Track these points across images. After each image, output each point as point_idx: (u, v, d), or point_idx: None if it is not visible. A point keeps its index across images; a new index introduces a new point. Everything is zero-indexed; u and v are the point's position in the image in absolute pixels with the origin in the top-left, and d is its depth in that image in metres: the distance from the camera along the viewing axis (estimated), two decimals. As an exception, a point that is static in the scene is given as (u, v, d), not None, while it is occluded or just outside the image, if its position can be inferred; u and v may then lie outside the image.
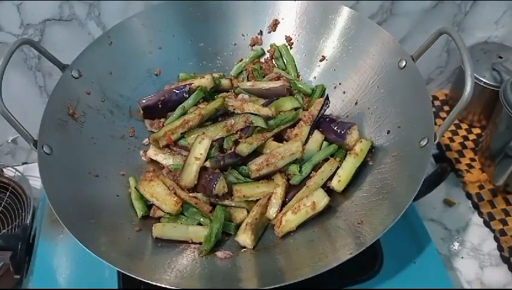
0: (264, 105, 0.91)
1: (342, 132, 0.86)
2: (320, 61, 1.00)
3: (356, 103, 0.93)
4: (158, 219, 0.82)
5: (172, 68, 1.00)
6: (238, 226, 0.80)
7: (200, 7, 1.00)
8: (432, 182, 0.97)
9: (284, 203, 0.83)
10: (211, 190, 0.79)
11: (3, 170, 1.15)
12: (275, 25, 1.03)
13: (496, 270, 0.99)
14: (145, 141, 0.94)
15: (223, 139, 0.86)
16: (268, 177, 0.85)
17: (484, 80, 1.14)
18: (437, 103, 1.33)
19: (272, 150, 0.85)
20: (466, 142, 1.22)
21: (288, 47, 1.03)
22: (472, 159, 1.18)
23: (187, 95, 0.93)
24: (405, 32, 1.16)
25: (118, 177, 0.87)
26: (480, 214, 1.08)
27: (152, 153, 0.91)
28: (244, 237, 0.77)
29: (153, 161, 0.91)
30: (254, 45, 1.04)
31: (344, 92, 0.96)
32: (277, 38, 1.03)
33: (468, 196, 1.12)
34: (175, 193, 0.81)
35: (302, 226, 0.78)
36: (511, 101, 1.00)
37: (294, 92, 0.99)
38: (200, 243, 0.77)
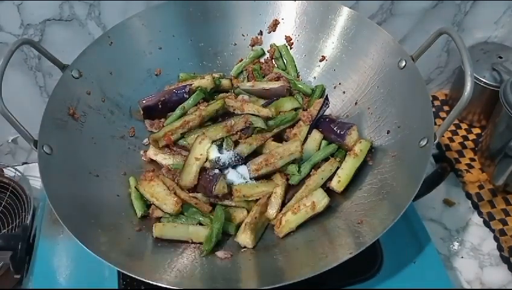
0: (264, 105, 0.91)
1: (342, 133, 0.86)
2: (320, 61, 1.00)
3: (356, 103, 0.93)
4: (158, 219, 0.82)
5: (173, 68, 1.00)
6: (238, 226, 0.80)
7: (200, 7, 1.00)
8: (432, 182, 0.97)
9: (283, 203, 0.83)
10: (211, 190, 0.79)
11: (3, 170, 1.15)
12: (275, 25, 1.03)
13: (495, 270, 0.99)
14: (145, 141, 0.94)
15: (223, 140, 0.86)
16: (267, 177, 0.85)
17: (484, 80, 1.14)
18: (437, 103, 1.33)
19: (271, 150, 0.85)
20: (466, 142, 1.22)
21: (288, 47, 1.03)
22: (472, 159, 1.18)
23: (187, 96, 0.93)
24: (405, 32, 1.16)
25: (118, 177, 0.87)
26: (480, 214, 1.08)
27: (152, 153, 0.91)
28: (244, 237, 0.77)
29: (153, 161, 0.91)
30: (254, 45, 1.04)
31: (344, 92, 0.96)
32: (277, 38, 1.03)
33: (468, 196, 1.11)
34: (175, 193, 0.81)
35: (302, 226, 0.79)
36: (511, 101, 1.00)
37: (294, 92, 0.99)
38: (200, 243, 0.77)
